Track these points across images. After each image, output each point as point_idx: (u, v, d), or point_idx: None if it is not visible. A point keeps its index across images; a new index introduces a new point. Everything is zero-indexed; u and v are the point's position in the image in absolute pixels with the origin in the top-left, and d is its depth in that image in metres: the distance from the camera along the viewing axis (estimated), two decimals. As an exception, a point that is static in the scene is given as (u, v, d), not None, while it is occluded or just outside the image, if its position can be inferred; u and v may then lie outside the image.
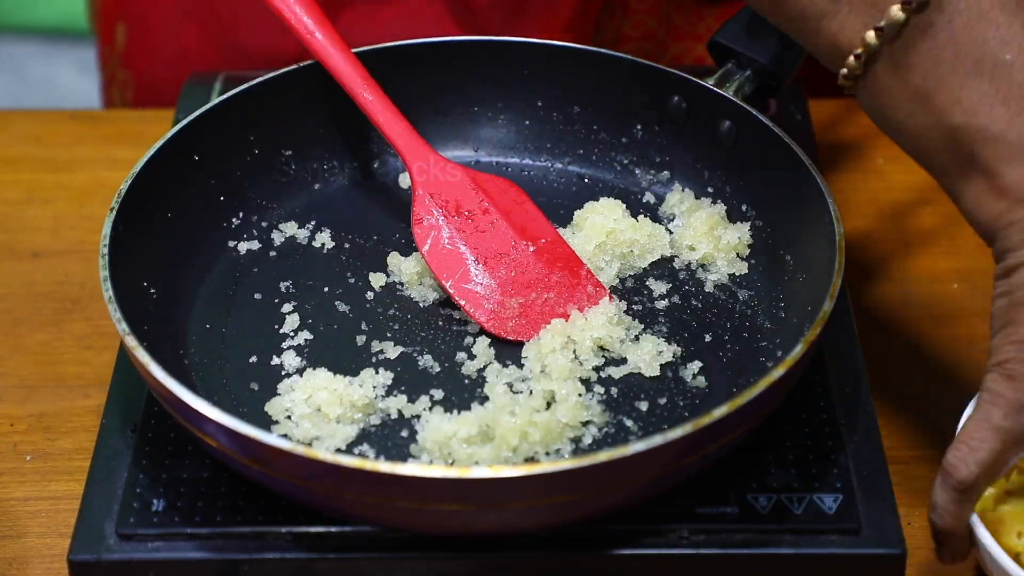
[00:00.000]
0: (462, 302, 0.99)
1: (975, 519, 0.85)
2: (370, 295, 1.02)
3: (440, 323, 0.99)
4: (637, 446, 0.82)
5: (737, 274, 1.02)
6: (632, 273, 1.03)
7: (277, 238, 1.06)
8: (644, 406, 0.94)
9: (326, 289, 1.02)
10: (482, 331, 0.98)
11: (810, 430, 0.92)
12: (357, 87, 1.03)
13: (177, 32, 1.29)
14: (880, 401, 0.98)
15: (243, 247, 1.04)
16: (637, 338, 0.98)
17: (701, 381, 0.95)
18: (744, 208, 1.05)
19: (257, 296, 1.01)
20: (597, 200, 1.05)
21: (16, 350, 1.06)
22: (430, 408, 0.93)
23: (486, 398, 0.94)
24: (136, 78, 1.33)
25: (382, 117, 1.03)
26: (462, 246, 1.00)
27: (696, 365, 0.96)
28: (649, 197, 1.08)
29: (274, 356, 0.97)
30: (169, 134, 1.01)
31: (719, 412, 0.84)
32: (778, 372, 0.86)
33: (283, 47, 1.21)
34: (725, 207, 1.05)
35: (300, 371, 0.96)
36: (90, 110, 1.36)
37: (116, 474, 0.91)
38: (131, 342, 0.88)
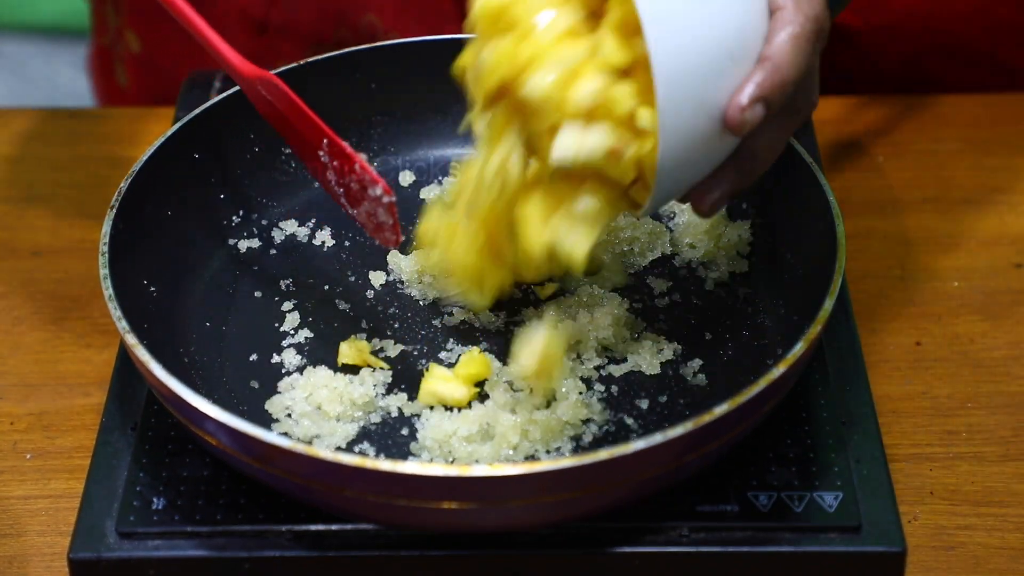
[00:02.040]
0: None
1: None
2: (370, 293, 1.01)
3: (440, 321, 0.99)
4: (638, 444, 0.82)
5: (737, 272, 1.02)
6: (632, 271, 1.03)
7: (277, 236, 1.06)
8: (644, 404, 0.94)
9: (326, 287, 1.02)
10: (483, 329, 0.98)
11: (810, 428, 0.92)
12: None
13: None
14: (880, 400, 0.98)
15: (243, 245, 1.04)
16: (638, 336, 0.98)
17: (701, 379, 0.95)
18: (744, 206, 1.05)
19: (257, 294, 1.01)
20: (597, 198, 1.05)
21: (16, 348, 1.06)
22: (430, 406, 0.93)
23: (486, 396, 0.94)
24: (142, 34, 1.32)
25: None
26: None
27: (696, 363, 0.96)
28: (649, 195, 1.08)
29: (274, 354, 0.97)
30: (169, 132, 1.01)
31: (719, 410, 0.84)
32: (778, 370, 0.86)
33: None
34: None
35: (300, 369, 0.96)
36: (90, 108, 1.36)
37: (116, 472, 0.91)
38: (131, 340, 0.88)
